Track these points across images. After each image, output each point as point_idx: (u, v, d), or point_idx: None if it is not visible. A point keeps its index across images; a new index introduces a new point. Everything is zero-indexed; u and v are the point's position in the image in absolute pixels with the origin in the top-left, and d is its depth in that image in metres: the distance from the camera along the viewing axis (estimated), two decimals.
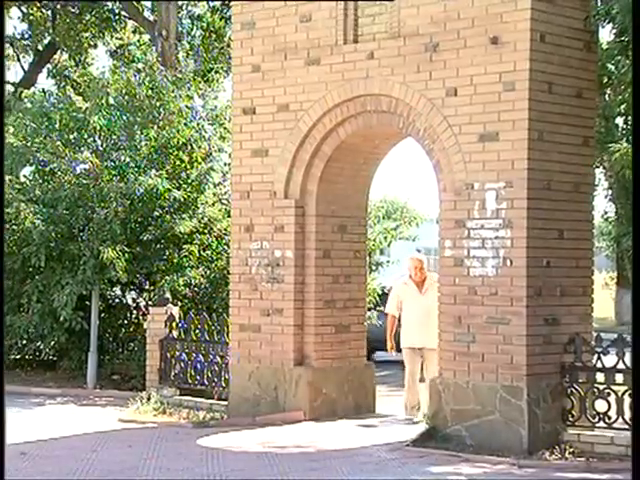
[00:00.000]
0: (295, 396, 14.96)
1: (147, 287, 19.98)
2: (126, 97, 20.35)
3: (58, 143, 19.94)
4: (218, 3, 31.91)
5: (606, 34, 14.24)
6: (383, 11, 14.25)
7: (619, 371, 12.98)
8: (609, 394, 12.90)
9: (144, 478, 11.65)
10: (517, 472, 11.87)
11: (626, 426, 12.62)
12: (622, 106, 14.56)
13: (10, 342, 20.60)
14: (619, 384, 12.91)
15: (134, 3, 32.41)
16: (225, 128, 19.63)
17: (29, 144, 20.20)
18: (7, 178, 19.86)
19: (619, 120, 14.96)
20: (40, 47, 35.81)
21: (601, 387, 13.00)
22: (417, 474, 11.88)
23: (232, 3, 16.43)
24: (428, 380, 14.77)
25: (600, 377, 13.03)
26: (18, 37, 37.03)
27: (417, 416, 15.22)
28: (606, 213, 31.81)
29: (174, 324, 17.31)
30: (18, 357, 21.35)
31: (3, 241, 7.23)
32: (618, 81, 14.10)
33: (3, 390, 7.16)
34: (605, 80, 14.18)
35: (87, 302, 18.85)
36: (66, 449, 13.79)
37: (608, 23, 13.91)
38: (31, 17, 35.70)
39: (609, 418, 12.87)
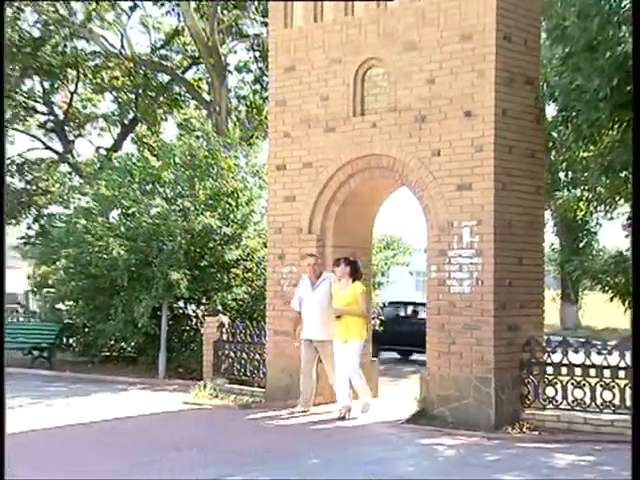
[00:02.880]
0: (319, 384, 14.78)
1: (203, 301, 20.01)
2: (188, 157, 20.39)
3: (137, 193, 20.25)
4: (258, 87, 31.91)
5: (550, 110, 14.42)
6: (383, 91, 14.30)
7: (564, 365, 13.16)
8: (556, 383, 13.10)
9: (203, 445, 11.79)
10: (487, 443, 12.08)
11: (568, 407, 12.89)
12: (563, 164, 14.73)
13: (101, 343, 20.82)
14: (564, 375, 13.09)
15: (196, 89, 32.50)
16: (263, 180, 19.68)
17: (116, 193, 20.40)
18: (99, 219, 20.20)
19: (561, 174, 15.14)
20: (126, 121, 35.84)
21: (550, 378, 13.19)
22: (410, 444, 12.07)
23: (269, 87, 16.48)
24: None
25: (549, 370, 13.20)
26: (109, 114, 37.25)
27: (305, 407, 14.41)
28: (553, 244, 31.91)
29: (224, 329, 17.42)
30: (108, 354, 21.40)
31: (4, 242, 6.98)
32: (560, 145, 14.25)
33: (3, 390, 6.96)
34: (550, 144, 14.29)
35: (159, 313, 18.91)
36: (147, 422, 14.14)
37: (552, 102, 14.14)
38: (119, 99, 35.96)
39: (556, 401, 13.05)
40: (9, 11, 31.75)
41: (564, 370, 13.17)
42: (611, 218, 15.67)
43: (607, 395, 12.72)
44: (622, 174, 13.70)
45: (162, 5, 32.27)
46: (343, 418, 13.75)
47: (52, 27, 31.15)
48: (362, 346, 14.07)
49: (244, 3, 29.93)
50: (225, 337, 17.34)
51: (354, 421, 13.81)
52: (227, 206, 19.94)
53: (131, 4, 32.39)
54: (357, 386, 14.11)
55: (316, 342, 14.37)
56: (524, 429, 12.79)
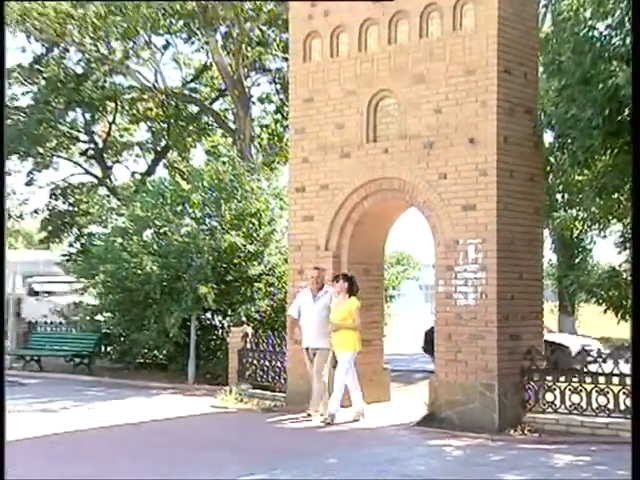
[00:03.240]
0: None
1: (229, 313, 19.97)
2: (215, 181, 20.39)
3: (169, 213, 20.26)
4: (279, 116, 31.99)
5: (548, 137, 14.39)
6: (394, 120, 14.29)
7: (562, 372, 13.17)
8: (555, 389, 13.01)
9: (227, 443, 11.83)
10: (491, 444, 12.01)
11: (566, 411, 12.79)
12: (560, 186, 14.69)
13: (136, 351, 20.84)
14: (562, 382, 13.02)
15: (222, 118, 32.59)
16: (283, 201, 19.72)
17: (150, 214, 20.48)
18: (134, 238, 20.29)
19: (558, 196, 15.09)
20: (158, 148, 36.02)
21: (549, 384, 13.11)
22: (420, 445, 12.03)
23: (289, 116, 16.50)
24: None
25: (548, 377, 13.15)
26: (144, 142, 37.46)
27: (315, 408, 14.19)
28: (551, 260, 31.78)
29: (248, 339, 17.40)
30: (142, 362, 21.40)
31: (4, 243, 6.74)
32: (557, 169, 14.23)
33: (4, 390, 6.77)
34: (548, 168, 14.27)
35: (188, 323, 18.91)
36: (179, 424, 14.17)
37: (549, 130, 14.12)
38: (153, 129, 36.14)
39: (555, 406, 12.95)
40: (56, 51, 32.00)
41: (562, 377, 13.13)
42: (604, 236, 15.63)
43: (602, 400, 12.65)
44: (614, 196, 13.68)
45: (192, 43, 32.48)
46: (329, 424, 13.50)
47: (93, 64, 31.37)
48: (354, 357, 13.97)
49: (267, 40, 30.01)
50: (249, 346, 17.31)
51: (368, 423, 13.73)
52: (251, 225, 19.95)
53: (164, 42, 32.58)
54: (334, 393, 13.86)
55: (312, 349, 14.29)
56: (525, 431, 12.72)
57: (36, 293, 30.10)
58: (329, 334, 13.96)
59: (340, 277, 14.11)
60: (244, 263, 19.65)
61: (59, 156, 35.52)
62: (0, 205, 7.11)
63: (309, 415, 14.03)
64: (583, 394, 12.82)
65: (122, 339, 20.94)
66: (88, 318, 22.47)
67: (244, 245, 19.43)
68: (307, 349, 14.44)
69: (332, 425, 13.43)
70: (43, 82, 33.00)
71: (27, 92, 34.00)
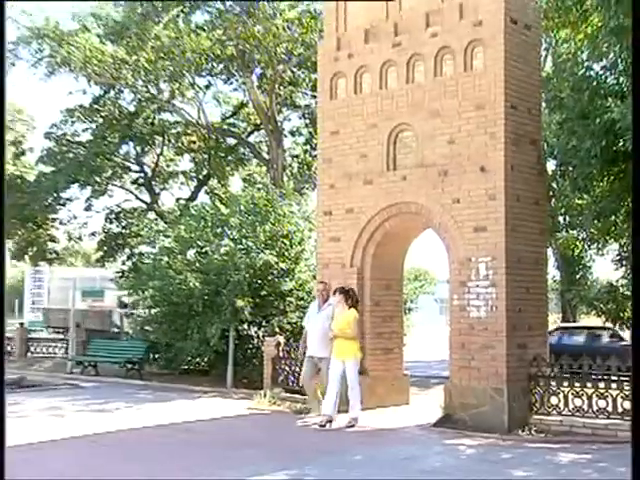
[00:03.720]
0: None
1: (264, 324, 19.92)
2: (251, 206, 20.45)
3: (210, 235, 20.31)
4: (308, 147, 32.10)
5: (550, 165, 14.35)
6: (412, 150, 14.28)
7: (565, 378, 13.02)
8: (559, 393, 12.89)
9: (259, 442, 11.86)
10: (501, 443, 11.93)
11: (569, 413, 12.66)
12: (562, 209, 14.63)
13: (181, 358, 20.81)
14: (565, 387, 12.92)
15: (257, 150, 32.71)
16: (312, 224, 19.68)
17: (193, 235, 20.54)
18: (179, 256, 20.38)
19: (560, 218, 15.01)
20: (200, 176, 36.29)
21: (554, 388, 12.99)
22: (437, 444, 11.98)
23: (317, 147, 16.51)
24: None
25: (553, 382, 13.04)
26: (188, 171, 37.68)
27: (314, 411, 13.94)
28: (554, 277, 31.67)
29: (280, 348, 17.36)
30: (186, 368, 21.39)
31: (4, 244, 6.33)
32: (559, 194, 14.17)
33: (3, 390, 6.50)
34: (551, 193, 14.24)
35: (227, 334, 18.90)
36: (219, 424, 14.14)
37: (552, 159, 14.07)
38: (196, 159, 36.35)
39: (559, 408, 12.81)
40: (112, 92, 32.27)
41: (565, 382, 13.01)
42: (602, 254, 15.56)
43: (602, 403, 12.55)
44: (611, 218, 13.64)
45: (231, 83, 32.72)
46: (324, 426, 13.12)
47: (144, 103, 31.67)
48: (356, 364, 13.60)
49: (297, 80, 30.13)
50: (281, 354, 17.27)
51: (390, 424, 13.65)
52: (283, 245, 19.96)
53: (206, 83, 32.85)
54: (351, 400, 13.42)
55: (316, 358, 14.05)
56: (532, 432, 12.58)
57: (125, 305, 30.33)
58: (330, 343, 13.63)
59: (337, 290, 13.89)
60: (277, 279, 19.66)
61: (113, 184, 35.84)
62: (0, 207, 6.77)
63: (329, 421, 13.34)
64: (584, 398, 12.71)
65: (168, 347, 20.95)
66: (138, 328, 22.58)
67: (277, 263, 19.42)
68: (311, 357, 14.16)
69: (327, 426, 13.10)
70: (101, 120, 33.40)
71: (87, 129, 34.39)
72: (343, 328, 13.43)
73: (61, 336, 28.59)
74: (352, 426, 13.16)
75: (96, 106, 33.15)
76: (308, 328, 14.35)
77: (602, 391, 12.58)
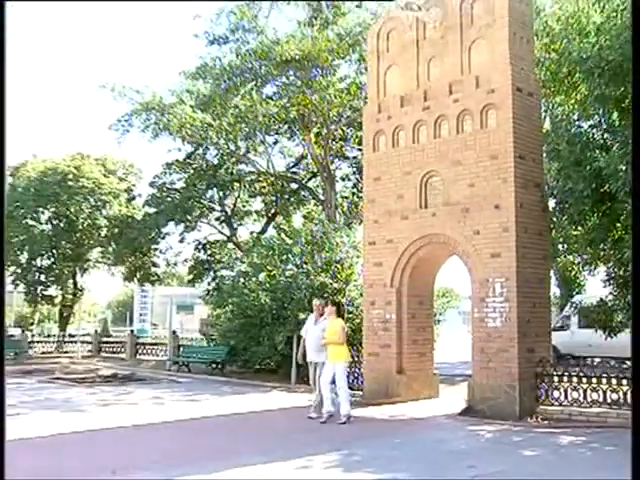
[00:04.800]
0: (397, 389, 14.81)
1: None
2: (310, 237, 20.52)
3: (277, 261, 20.36)
4: (356, 190, 32.13)
5: (551, 204, 14.28)
6: (439, 192, 14.25)
7: (565, 376, 12.94)
8: (560, 388, 12.85)
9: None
10: (514, 429, 11.85)
11: (568, 404, 12.62)
12: (560, 239, 14.57)
13: (254, 360, 20.76)
14: (565, 383, 12.86)
15: (314, 192, 32.86)
16: (359, 252, 19.66)
17: (263, 261, 20.60)
18: (253, 279, 20.39)
19: (560, 246, 14.94)
20: (269, 214, 36.47)
21: (556, 384, 12.92)
22: (461, 430, 11.92)
23: (363, 190, 16.55)
24: (321, 384, 12.72)
25: (555, 379, 12.97)
26: (259, 210, 37.78)
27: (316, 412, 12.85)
28: (555, 293, 31.27)
29: None
30: (258, 367, 21.43)
31: (4, 246, 5.54)
32: (558, 226, 14.11)
33: (4, 392, 5.98)
34: (552, 226, 14.17)
35: (291, 340, 18.87)
36: (284, 413, 14.21)
37: (552, 198, 14.02)
38: (265, 201, 36.54)
39: (560, 400, 12.76)
40: (200, 149, 32.69)
41: (565, 379, 12.97)
42: (593, 275, 15.44)
43: (594, 395, 12.50)
44: (600, 246, 13.53)
45: (293, 140, 32.96)
46: (325, 422, 12.40)
47: (225, 157, 32.03)
48: (345, 367, 12.90)
49: (346, 136, 30.30)
50: None
51: (422, 414, 13.58)
52: (335, 269, 19.94)
53: (274, 140, 33.16)
54: (341, 398, 12.67)
55: (314, 363, 13.23)
56: (538, 419, 12.52)
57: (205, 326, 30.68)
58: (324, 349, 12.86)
59: (330, 302, 13.42)
60: (331, 297, 19.53)
61: (201, 221, 36.22)
62: (0, 209, 6.22)
63: (330, 416, 12.58)
64: (580, 391, 12.65)
65: (244, 351, 21.03)
66: (221, 336, 22.76)
67: (331, 283, 19.41)
68: (310, 362, 13.35)
69: (327, 423, 12.35)
70: (192, 171, 33.84)
71: (181, 178, 34.87)
72: (333, 334, 12.72)
73: (160, 341, 28.93)
74: (345, 422, 12.34)
75: (188, 160, 33.66)
76: (306, 337, 13.39)
77: (594, 386, 12.52)
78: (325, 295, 19.44)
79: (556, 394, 12.90)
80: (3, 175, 6.14)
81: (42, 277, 45.26)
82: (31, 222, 42.18)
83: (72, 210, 43.25)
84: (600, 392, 12.45)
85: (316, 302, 13.99)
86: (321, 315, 13.35)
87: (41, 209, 43.05)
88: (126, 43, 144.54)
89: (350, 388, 15.92)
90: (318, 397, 12.91)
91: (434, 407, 14.31)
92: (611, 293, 14.08)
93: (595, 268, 14.73)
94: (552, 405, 12.84)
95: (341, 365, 12.75)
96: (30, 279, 44.97)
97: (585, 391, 12.59)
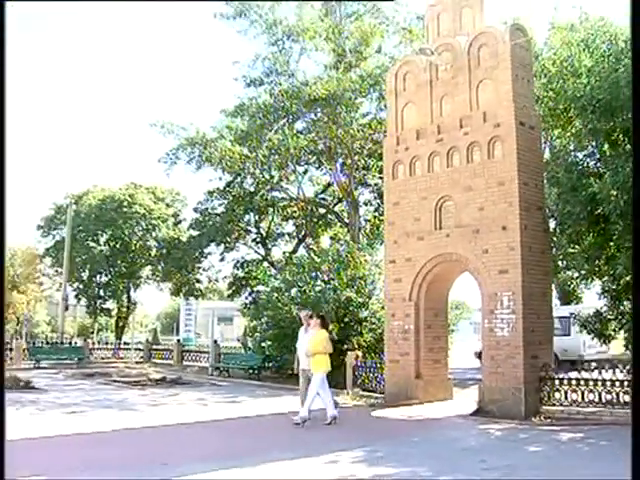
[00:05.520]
0: (415, 392, 14.77)
1: (346, 342, 19.82)
2: (336, 256, 20.56)
3: (307, 278, 20.38)
4: (377, 214, 32.18)
5: (552, 224, 14.31)
6: (452, 215, 14.29)
7: (565, 380, 12.90)
8: (560, 390, 12.83)
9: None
10: (520, 427, 11.82)
11: (568, 404, 12.61)
12: (560, 256, 14.58)
13: (287, 367, 20.57)
14: (565, 385, 12.82)
15: (340, 216, 32.92)
16: (380, 269, 19.69)
17: (295, 278, 20.61)
18: (285, 293, 20.35)
19: (560, 263, 14.95)
20: (300, 236, 36.52)
21: (557, 387, 12.89)
22: (473, 428, 11.92)
23: (384, 214, 16.62)
24: (309, 390, 12.09)
25: (556, 382, 12.93)
26: (291, 232, 37.51)
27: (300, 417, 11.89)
28: (556, 305, 31.06)
29: (358, 359, 17.33)
30: (290, 373, 21.31)
31: (4, 247, 5.08)
32: (558, 245, 14.12)
33: (4, 393, 5.70)
34: (552, 245, 14.19)
35: None
36: (313, 414, 13.77)
37: (553, 220, 14.05)
38: (296, 224, 36.63)
39: (561, 401, 12.75)
40: (238, 178, 32.81)
41: (565, 382, 12.95)
42: (589, 288, 15.48)
43: (591, 396, 12.50)
44: (596, 262, 13.49)
45: (321, 169, 33.04)
46: (329, 424, 11.84)
47: (260, 185, 32.22)
48: (324, 376, 12.14)
49: (368, 166, 30.39)
50: (359, 363, 17.26)
51: (438, 414, 13.51)
52: (360, 285, 19.95)
53: (304, 169, 33.30)
54: (326, 404, 12.13)
55: (305, 370, 12.55)
56: (542, 418, 12.47)
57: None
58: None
59: (314, 315, 12.80)
60: (356, 310, 19.56)
61: (239, 242, 36.41)
62: (0, 210, 5.70)
63: (334, 418, 12.03)
64: (579, 393, 12.63)
65: (278, 359, 21.09)
66: (257, 345, 22.82)
67: (355, 298, 19.42)
68: (303, 370, 12.61)
69: (303, 426, 11.68)
70: (230, 198, 34.07)
71: (221, 204, 35.11)
72: (317, 345, 12.20)
73: (203, 349, 29.09)
74: (331, 423, 11.88)
75: (228, 188, 33.91)
76: (298, 348, 12.77)
77: (591, 388, 12.50)
78: (350, 308, 19.53)
79: (557, 395, 12.85)
80: (3, 176, 5.66)
81: (101, 292, 46.01)
82: (92, 244, 42.95)
83: (126, 233, 43.99)
84: (596, 393, 12.43)
85: (302, 313, 13.46)
86: (307, 326, 12.72)
87: (100, 232, 43.82)
88: (175, 86, 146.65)
89: (372, 391, 15.99)
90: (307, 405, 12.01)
91: (448, 408, 14.24)
92: (605, 304, 14.05)
93: (591, 282, 14.72)
94: (554, 405, 12.80)
95: (319, 374, 12.08)
96: (90, 294, 45.74)
97: (583, 392, 12.57)
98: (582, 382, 12.67)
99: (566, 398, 12.73)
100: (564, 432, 11.20)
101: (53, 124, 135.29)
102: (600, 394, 12.35)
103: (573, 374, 12.95)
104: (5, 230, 6.64)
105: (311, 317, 12.80)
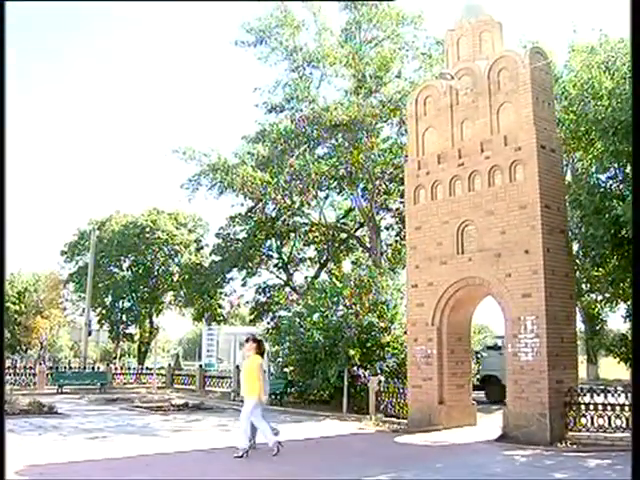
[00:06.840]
0: (439, 418, 14.68)
1: (369, 367, 19.77)
2: (358, 281, 20.43)
3: (329, 302, 20.20)
4: (399, 238, 32.18)
5: (575, 247, 14.26)
6: (474, 239, 14.32)
7: (591, 404, 12.76)
8: (587, 415, 12.74)
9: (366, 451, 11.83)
10: (545, 453, 11.73)
11: (594, 430, 12.48)
12: (584, 279, 14.50)
13: (309, 392, 20.70)
14: (591, 410, 12.71)
15: (362, 241, 32.91)
16: (402, 293, 19.70)
17: (316, 303, 20.59)
18: (307, 318, 20.27)
19: (583, 286, 14.86)
20: (322, 261, 36.43)
21: (583, 412, 12.79)
22: (498, 454, 11.79)
23: (406, 238, 16.67)
24: (240, 418, 11.47)
25: (582, 408, 12.81)
26: (312, 257, 37.67)
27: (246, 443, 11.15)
28: (580, 329, 30.72)
29: (381, 384, 17.31)
30: (312, 398, 21.33)
31: (4, 247, 5.98)
32: (582, 268, 14.05)
33: (3, 395, 5.49)
34: (576, 268, 14.13)
35: (342, 374, 18.84)
36: (337, 439, 14.12)
37: (576, 243, 14.01)
38: (318, 249, 36.60)
39: (587, 426, 12.64)
40: (260, 204, 32.97)
41: (591, 408, 12.82)
42: (614, 312, 15.37)
43: (618, 422, 12.37)
44: (620, 285, 13.40)
45: (342, 194, 33.18)
46: (277, 452, 11.20)
47: (282, 211, 32.38)
48: (255, 402, 11.29)
49: (389, 191, 30.47)
50: (382, 389, 17.23)
51: (462, 440, 13.42)
52: (382, 309, 19.91)
53: (325, 195, 33.45)
54: (263, 432, 11.42)
55: (243, 397, 11.73)
56: (568, 444, 12.40)
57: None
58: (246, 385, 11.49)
59: (251, 339, 11.81)
60: (378, 334, 19.46)
61: (261, 268, 36.55)
62: (1, 209, 5.77)
63: (279, 443, 11.37)
64: (605, 418, 12.52)
65: (300, 384, 21.05)
66: (279, 370, 22.78)
67: (377, 323, 19.35)
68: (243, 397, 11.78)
69: (245, 457, 11.03)
70: (252, 223, 34.26)
71: (243, 230, 35.33)
72: (250, 371, 11.41)
73: (225, 374, 29.10)
74: (279, 450, 11.22)
75: (249, 214, 34.16)
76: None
77: (618, 413, 12.37)
78: (372, 333, 19.46)
79: (583, 421, 12.74)
80: (3, 178, 5.64)
81: (123, 317, 46.39)
82: (114, 269, 43.45)
83: (149, 259, 44.45)
84: (623, 418, 12.28)
85: (246, 338, 12.31)
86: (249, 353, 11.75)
87: (123, 258, 44.33)
88: (197, 112, 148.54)
89: (395, 416, 15.87)
90: (248, 433, 11.34)
91: (472, 434, 14.15)
92: (631, 328, 13.91)
93: (616, 305, 14.61)
94: (580, 431, 12.70)
95: (250, 401, 11.36)
96: (113, 319, 46.16)
97: (609, 418, 12.44)
98: (609, 407, 12.55)
99: (592, 424, 12.63)
100: (591, 458, 11.08)
101: (77, 151, 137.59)
102: (628, 419, 12.18)
103: (599, 399, 12.83)
104: (5, 234, 6.60)
105: (247, 341, 11.86)
